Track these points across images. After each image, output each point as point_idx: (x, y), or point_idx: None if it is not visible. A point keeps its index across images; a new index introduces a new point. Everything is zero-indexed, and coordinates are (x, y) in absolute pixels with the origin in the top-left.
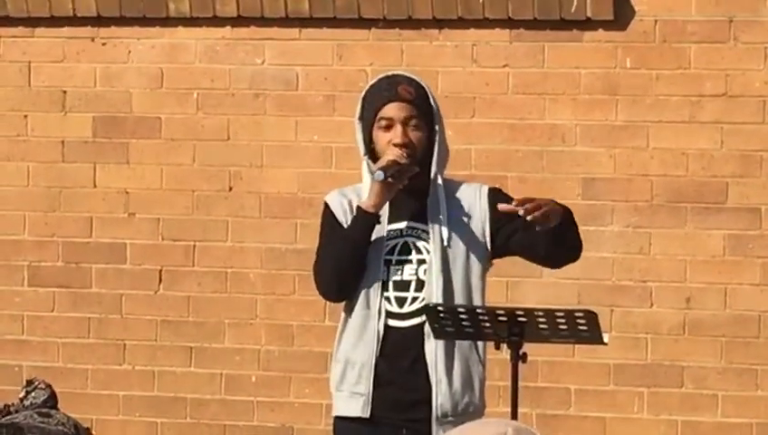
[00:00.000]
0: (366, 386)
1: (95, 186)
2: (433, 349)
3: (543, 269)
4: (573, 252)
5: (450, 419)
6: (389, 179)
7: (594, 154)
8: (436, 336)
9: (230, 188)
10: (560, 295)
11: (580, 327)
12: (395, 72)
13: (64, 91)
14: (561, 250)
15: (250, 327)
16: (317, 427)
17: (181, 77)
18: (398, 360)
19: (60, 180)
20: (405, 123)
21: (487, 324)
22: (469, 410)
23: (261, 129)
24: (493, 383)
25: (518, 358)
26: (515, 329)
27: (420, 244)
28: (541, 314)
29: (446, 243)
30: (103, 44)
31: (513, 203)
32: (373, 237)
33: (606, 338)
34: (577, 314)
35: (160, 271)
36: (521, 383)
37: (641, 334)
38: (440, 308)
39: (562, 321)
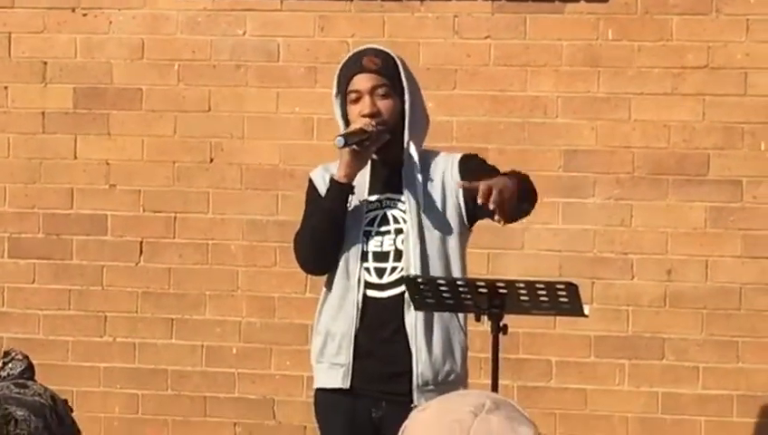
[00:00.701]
0: (346, 357)
1: (76, 157)
2: (413, 319)
3: (525, 240)
4: (532, 206)
5: (431, 387)
6: (355, 147)
7: (576, 126)
8: (417, 308)
9: (211, 160)
10: (541, 267)
11: (561, 299)
12: (364, 47)
13: (45, 63)
14: (523, 210)
15: (231, 299)
16: (298, 399)
17: (162, 48)
18: (379, 331)
19: (40, 152)
20: (371, 93)
21: (468, 296)
22: (450, 379)
23: (242, 100)
24: (473, 355)
25: (498, 330)
26: (496, 301)
27: (398, 214)
28: (521, 285)
29: (421, 212)
30: (84, 15)
31: (480, 199)
32: (353, 209)
33: (587, 310)
34: (558, 286)
35: (141, 242)
36: (501, 355)
37: (622, 306)
38: (420, 280)
39: (543, 293)
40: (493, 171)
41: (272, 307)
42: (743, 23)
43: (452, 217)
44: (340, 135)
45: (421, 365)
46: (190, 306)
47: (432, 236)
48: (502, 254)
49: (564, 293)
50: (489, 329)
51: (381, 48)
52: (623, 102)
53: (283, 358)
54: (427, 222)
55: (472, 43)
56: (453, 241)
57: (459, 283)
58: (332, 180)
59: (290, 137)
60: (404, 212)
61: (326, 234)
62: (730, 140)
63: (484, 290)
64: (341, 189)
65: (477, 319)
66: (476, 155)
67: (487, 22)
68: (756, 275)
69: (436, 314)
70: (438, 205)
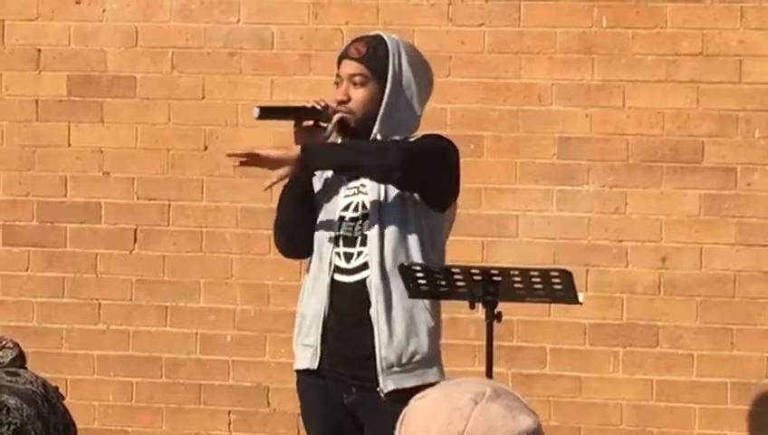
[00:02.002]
0: (314, 338)
1: (69, 145)
2: (377, 303)
3: (519, 228)
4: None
5: (396, 369)
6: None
7: (570, 113)
8: (411, 295)
9: (205, 147)
10: (535, 255)
11: (556, 287)
12: (360, 35)
13: (38, 50)
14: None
15: (225, 287)
16: (292, 386)
17: (156, 36)
18: (347, 315)
19: (34, 139)
20: (349, 80)
21: (462, 284)
22: (415, 359)
23: (236, 88)
24: (468, 343)
25: (493, 317)
26: (490, 288)
27: (366, 200)
28: (516, 273)
29: (382, 198)
30: (77, 3)
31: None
32: (331, 195)
33: (581, 297)
34: (552, 274)
35: (135, 230)
36: (496, 343)
37: (617, 294)
38: (415, 267)
39: (537, 280)
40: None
41: (266, 295)
42: (737, 10)
43: (415, 202)
44: (257, 107)
45: (384, 349)
46: (184, 294)
47: (392, 221)
48: (496, 241)
49: (559, 280)
50: (483, 316)
51: (383, 36)
52: (617, 90)
53: (278, 346)
54: (387, 208)
55: (466, 31)
56: (418, 226)
57: (454, 270)
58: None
59: (284, 124)
60: (367, 196)
61: (288, 222)
62: (724, 127)
63: (478, 277)
64: (296, 178)
65: (472, 307)
66: (429, 135)
67: (481, 9)
68: (751, 262)
69: (397, 296)
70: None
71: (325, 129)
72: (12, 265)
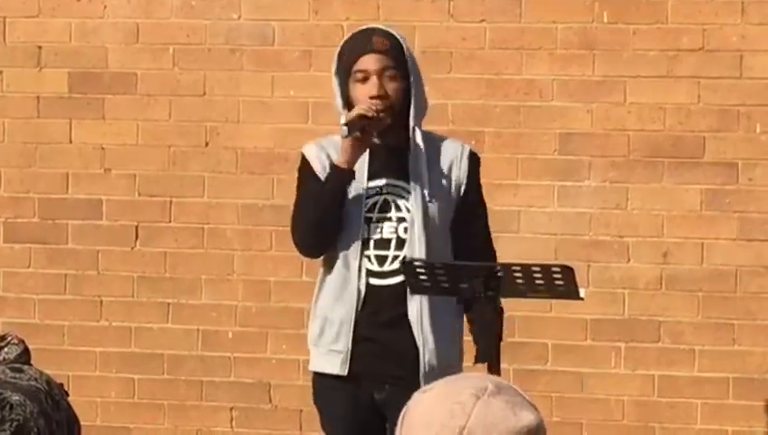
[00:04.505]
0: (345, 344)
1: (71, 142)
2: (417, 306)
3: (521, 224)
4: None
5: (436, 373)
6: (357, 134)
7: (571, 109)
8: (413, 291)
9: (206, 144)
10: (537, 250)
11: (557, 282)
12: (370, 26)
13: (39, 47)
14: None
15: (227, 283)
16: (295, 383)
17: (157, 32)
18: (378, 318)
19: (35, 136)
20: (380, 75)
21: (464, 279)
22: (452, 364)
23: (237, 84)
24: (470, 338)
25: (495, 313)
26: (492, 284)
27: (400, 202)
28: (517, 268)
29: (427, 201)
30: (78, 0)
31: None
32: (353, 194)
33: (582, 293)
34: (554, 269)
35: (137, 227)
36: None
37: (618, 289)
38: (417, 263)
39: (539, 276)
40: (483, 215)
41: (267, 291)
42: (738, 5)
43: (452, 207)
44: (344, 124)
45: (428, 353)
46: (186, 291)
47: (435, 226)
48: (497, 237)
49: (560, 276)
50: None
51: (387, 29)
52: (618, 85)
53: (279, 342)
54: (432, 212)
55: (467, 27)
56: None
57: (456, 266)
58: (333, 165)
59: (285, 121)
60: (407, 200)
61: (325, 218)
62: (725, 122)
63: (480, 273)
64: (342, 175)
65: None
66: (479, 163)
67: (482, 5)
68: (752, 257)
69: (437, 302)
70: (443, 195)
71: (368, 132)
72: (13, 262)
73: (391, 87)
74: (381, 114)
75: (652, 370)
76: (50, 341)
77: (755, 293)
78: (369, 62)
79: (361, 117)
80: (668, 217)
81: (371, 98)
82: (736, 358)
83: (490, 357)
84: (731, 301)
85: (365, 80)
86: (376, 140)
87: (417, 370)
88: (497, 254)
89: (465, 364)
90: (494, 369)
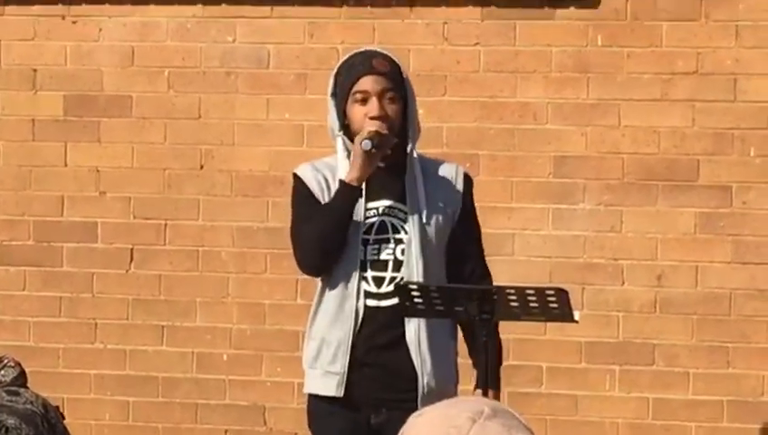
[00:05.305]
0: (341, 365)
1: (66, 164)
2: (414, 328)
3: (515, 246)
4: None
5: (434, 395)
6: (373, 150)
7: (566, 132)
8: (408, 314)
9: (201, 167)
10: (531, 273)
11: (552, 305)
12: (368, 48)
13: (35, 70)
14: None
15: (222, 306)
16: (289, 405)
17: (152, 55)
18: (376, 340)
19: (30, 159)
20: (380, 96)
21: (459, 302)
22: (450, 386)
23: (232, 107)
24: (464, 361)
25: (489, 336)
26: (486, 307)
27: (398, 223)
28: (512, 291)
29: (424, 223)
30: (74, 22)
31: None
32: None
33: (577, 316)
34: (548, 292)
35: (132, 250)
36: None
37: (612, 312)
38: (412, 286)
39: (533, 299)
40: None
41: (262, 314)
42: (732, 28)
43: (448, 229)
44: (367, 138)
45: (426, 376)
46: (181, 313)
47: (433, 247)
48: (492, 260)
49: (554, 299)
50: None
51: (385, 51)
52: (613, 108)
53: (274, 364)
54: (429, 234)
55: (462, 50)
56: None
57: (450, 288)
58: (343, 183)
59: (280, 143)
60: (405, 222)
61: (335, 235)
62: (720, 145)
63: (474, 296)
64: (352, 192)
65: (465, 325)
66: (472, 185)
67: (477, 28)
68: (746, 280)
69: (433, 323)
70: (440, 217)
71: (381, 150)
72: (8, 284)
73: (391, 109)
74: (390, 132)
75: (647, 393)
76: (45, 363)
77: (750, 316)
78: (369, 83)
79: (378, 133)
80: (663, 240)
81: (372, 118)
82: (731, 381)
83: (486, 381)
84: (725, 324)
85: (364, 101)
86: (380, 157)
87: (415, 392)
88: (492, 275)
89: (465, 387)
90: (494, 393)
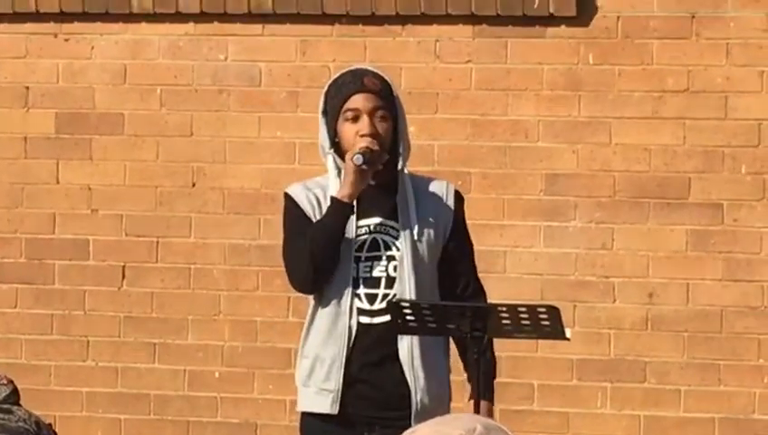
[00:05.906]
0: (335, 383)
1: (58, 182)
2: (407, 345)
3: (507, 264)
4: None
5: (427, 411)
6: (364, 166)
7: (557, 150)
8: (400, 332)
9: (193, 184)
10: (523, 291)
11: (543, 322)
12: (359, 66)
13: (27, 88)
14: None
15: (213, 323)
16: (281, 423)
17: (144, 73)
18: (369, 357)
19: (22, 177)
20: (371, 114)
21: (450, 320)
22: (444, 402)
23: (224, 125)
24: (456, 378)
25: (481, 353)
26: (478, 324)
27: (389, 240)
28: (503, 309)
29: (416, 239)
30: (66, 40)
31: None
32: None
33: (568, 333)
34: (539, 310)
35: (123, 267)
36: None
37: (604, 330)
38: (404, 304)
39: (525, 316)
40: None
41: (254, 331)
42: (722, 46)
43: (440, 246)
44: (359, 153)
45: (420, 393)
46: (173, 331)
47: (425, 264)
48: (484, 277)
49: (546, 316)
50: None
51: (376, 69)
52: (604, 126)
53: (266, 382)
54: (421, 251)
55: (453, 68)
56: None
57: (442, 306)
58: (335, 200)
59: (272, 161)
60: (397, 239)
61: (327, 252)
62: (710, 163)
63: (466, 314)
64: (344, 208)
65: (458, 343)
66: (463, 202)
67: (468, 46)
68: (737, 297)
69: (426, 340)
70: (431, 234)
71: (372, 166)
72: (0, 302)
73: (382, 127)
74: (381, 150)
75: (638, 410)
76: (37, 381)
77: (740, 333)
78: (360, 101)
79: (369, 149)
80: (654, 257)
81: (362, 136)
82: (722, 398)
83: (479, 396)
84: (716, 341)
85: (356, 119)
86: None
87: (409, 410)
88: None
89: (459, 404)
90: (488, 405)
